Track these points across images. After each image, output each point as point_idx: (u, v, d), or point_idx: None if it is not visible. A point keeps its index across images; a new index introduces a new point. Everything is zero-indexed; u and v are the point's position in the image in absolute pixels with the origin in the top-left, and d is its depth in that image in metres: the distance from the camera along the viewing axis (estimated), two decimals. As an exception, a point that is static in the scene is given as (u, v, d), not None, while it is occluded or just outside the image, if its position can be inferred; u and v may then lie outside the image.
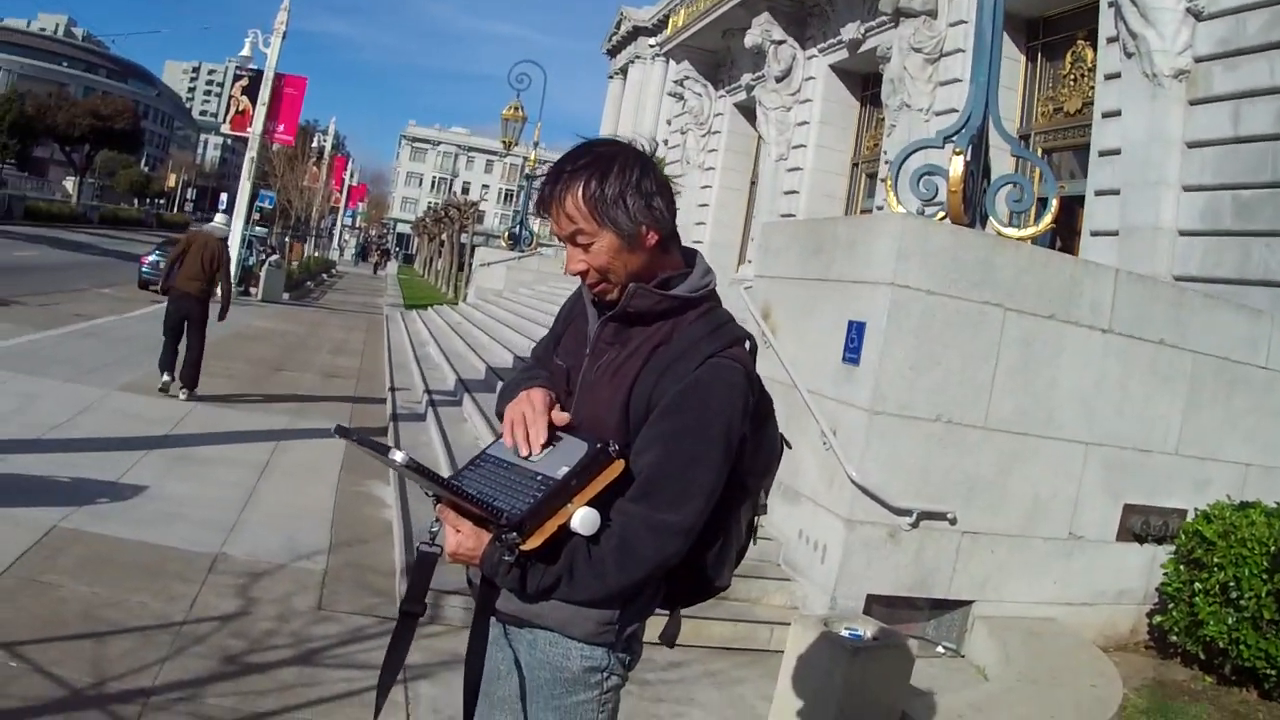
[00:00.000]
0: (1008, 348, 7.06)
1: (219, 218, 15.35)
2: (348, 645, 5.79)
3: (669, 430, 2.41)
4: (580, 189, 2.45)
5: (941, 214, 7.82)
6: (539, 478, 2.37)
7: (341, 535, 7.90)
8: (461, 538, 2.42)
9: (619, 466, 2.37)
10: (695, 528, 2.42)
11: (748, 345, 2.57)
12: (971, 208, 7.87)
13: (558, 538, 2.33)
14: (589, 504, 2.33)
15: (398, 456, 2.32)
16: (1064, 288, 7.26)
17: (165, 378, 12.44)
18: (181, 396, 12.23)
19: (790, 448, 2.84)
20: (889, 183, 8.24)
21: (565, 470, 2.35)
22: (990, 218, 8.05)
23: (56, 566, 6.22)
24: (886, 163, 12.83)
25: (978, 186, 7.98)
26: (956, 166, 7.69)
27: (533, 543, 2.29)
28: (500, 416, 2.68)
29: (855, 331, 6.99)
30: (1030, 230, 8.05)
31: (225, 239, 13.92)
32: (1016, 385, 7.14)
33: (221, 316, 13.21)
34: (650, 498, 2.39)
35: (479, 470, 2.52)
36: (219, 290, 13.05)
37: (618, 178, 2.46)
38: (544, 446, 2.46)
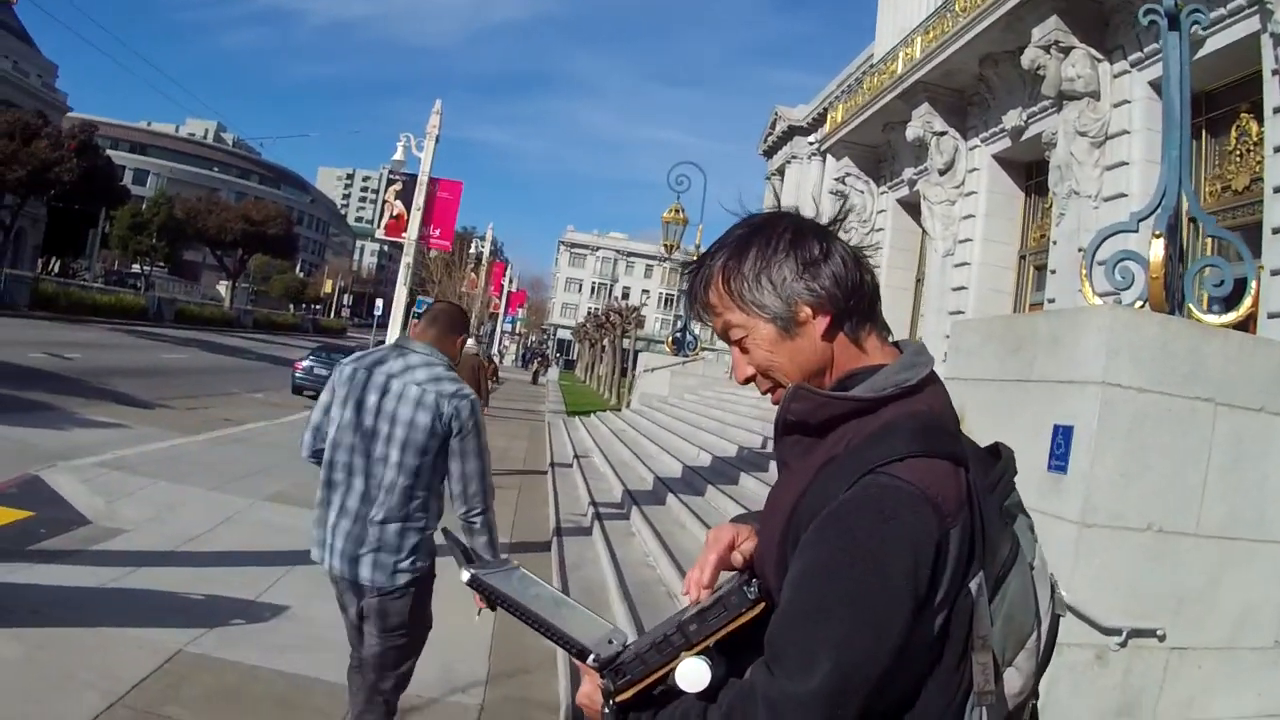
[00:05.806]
0: (1218, 446, 6.42)
1: (470, 342, 21.95)
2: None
3: (797, 572, 1.78)
4: (719, 272, 1.98)
5: (1140, 302, 7.27)
6: (677, 618, 1.90)
7: (501, 664, 7.35)
8: (585, 685, 1.94)
9: (756, 610, 1.84)
10: (834, 704, 1.67)
11: (950, 461, 1.81)
12: (1170, 294, 7.31)
13: (662, 689, 1.83)
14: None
15: (464, 575, 2.05)
16: (1272, 377, 6.63)
17: None
18: None
19: (1064, 615, 2.09)
20: (1083, 272, 7.71)
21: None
22: (1188, 303, 7.48)
23: (179, 697, 5.76)
24: (1080, 251, 12.27)
25: (1175, 271, 7.41)
26: (1157, 250, 7.14)
27: (625, 694, 1.83)
28: None
29: (1062, 436, 6.40)
30: (1233, 315, 7.43)
31: (477, 354, 20.52)
32: (1228, 487, 6.49)
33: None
34: (773, 659, 1.75)
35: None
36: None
37: (760, 248, 1.95)
38: (714, 591, 1.95)
